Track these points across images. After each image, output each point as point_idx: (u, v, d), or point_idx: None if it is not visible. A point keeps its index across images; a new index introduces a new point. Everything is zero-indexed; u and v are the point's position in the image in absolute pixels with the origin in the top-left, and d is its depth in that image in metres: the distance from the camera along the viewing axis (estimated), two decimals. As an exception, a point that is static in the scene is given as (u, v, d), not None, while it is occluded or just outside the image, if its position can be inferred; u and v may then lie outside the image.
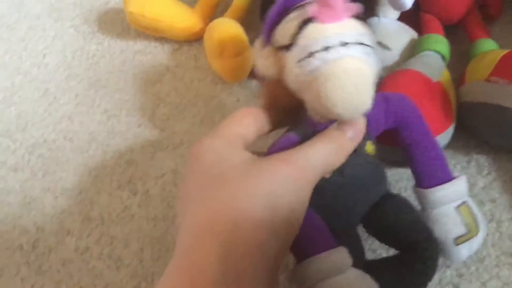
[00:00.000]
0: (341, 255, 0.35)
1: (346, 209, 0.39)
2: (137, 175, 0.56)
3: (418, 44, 0.54)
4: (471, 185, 0.49)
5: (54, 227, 0.54)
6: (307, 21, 0.32)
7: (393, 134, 0.41)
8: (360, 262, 0.39)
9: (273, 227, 0.30)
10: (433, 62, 0.51)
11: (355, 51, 0.31)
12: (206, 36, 0.61)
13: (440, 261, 0.44)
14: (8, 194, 0.57)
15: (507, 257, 0.45)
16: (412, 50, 0.54)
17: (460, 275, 0.45)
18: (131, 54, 0.68)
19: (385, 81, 0.49)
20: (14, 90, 0.67)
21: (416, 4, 0.55)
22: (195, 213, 0.31)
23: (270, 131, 0.38)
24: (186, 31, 0.65)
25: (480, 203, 0.49)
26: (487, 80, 0.47)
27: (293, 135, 0.37)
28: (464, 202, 0.41)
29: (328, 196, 0.38)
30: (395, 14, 0.56)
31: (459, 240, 0.40)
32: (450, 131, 0.48)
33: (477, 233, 0.41)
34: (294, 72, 0.33)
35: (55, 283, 0.50)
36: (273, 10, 0.35)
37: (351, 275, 0.35)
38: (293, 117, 0.38)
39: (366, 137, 0.38)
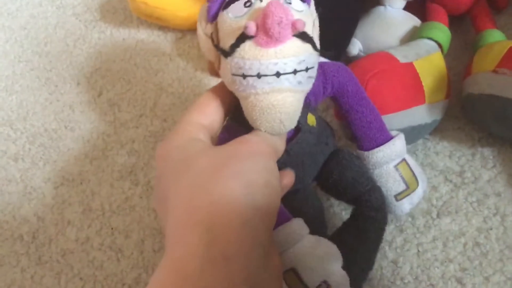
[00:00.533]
0: (295, 227, 0.38)
1: (299, 175, 0.40)
2: (139, 165, 0.56)
3: (416, 31, 0.53)
4: (475, 179, 0.49)
5: (55, 217, 0.54)
6: (245, 37, 0.31)
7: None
8: (320, 213, 0.43)
9: (253, 202, 0.30)
10: (415, 46, 0.51)
11: (287, 82, 0.32)
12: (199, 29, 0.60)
13: (443, 256, 0.44)
14: (9, 183, 0.57)
15: (511, 251, 0.45)
16: (411, 37, 0.54)
17: (464, 269, 0.45)
18: (134, 43, 0.67)
19: (356, 60, 0.50)
20: (15, 79, 0.67)
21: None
22: (173, 210, 0.31)
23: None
24: (189, 19, 0.64)
25: (485, 196, 0.48)
26: (494, 71, 0.47)
27: (233, 124, 0.38)
28: (402, 160, 0.43)
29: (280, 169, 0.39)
30: (402, 3, 0.55)
31: (400, 196, 0.43)
32: (415, 111, 0.48)
33: (416, 187, 0.43)
34: (228, 78, 0.33)
35: (55, 274, 0.50)
36: None
37: (307, 242, 0.37)
38: None
39: (306, 110, 0.39)
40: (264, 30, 0.30)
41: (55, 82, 0.65)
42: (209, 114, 0.36)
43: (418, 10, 0.56)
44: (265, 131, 0.34)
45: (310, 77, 0.33)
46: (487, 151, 0.51)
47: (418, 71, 0.48)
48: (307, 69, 0.32)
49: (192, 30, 0.66)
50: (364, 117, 0.42)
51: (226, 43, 0.32)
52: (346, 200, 0.45)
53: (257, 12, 0.31)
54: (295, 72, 0.32)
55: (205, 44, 0.36)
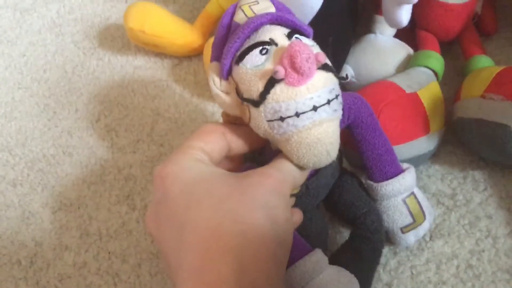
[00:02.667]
0: (318, 257, 0.38)
1: (310, 203, 0.41)
2: (136, 190, 0.57)
3: (411, 60, 0.55)
4: (467, 201, 0.50)
5: (53, 242, 0.54)
6: (275, 80, 0.32)
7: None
8: (323, 234, 0.44)
9: (277, 236, 0.31)
10: (415, 76, 0.52)
11: (325, 113, 0.33)
12: (205, 52, 0.61)
13: (436, 278, 0.45)
14: (7, 208, 0.58)
15: (503, 273, 0.46)
16: (407, 65, 0.55)
17: (457, 292, 0.45)
18: (131, 70, 0.69)
19: (363, 89, 0.51)
20: (14, 105, 0.68)
21: (412, 21, 0.56)
22: (197, 233, 0.30)
23: (236, 153, 0.38)
24: (185, 47, 0.66)
25: (476, 219, 0.49)
26: (482, 96, 0.48)
27: (253, 165, 0.38)
28: (411, 193, 0.44)
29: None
30: (392, 31, 0.56)
31: (406, 229, 0.44)
32: (422, 141, 0.49)
33: (423, 221, 0.44)
34: (263, 127, 0.34)
35: (53, 299, 0.51)
36: (235, 45, 0.34)
37: (329, 273, 0.38)
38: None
39: None
40: (295, 69, 0.31)
41: (53, 109, 0.66)
42: (210, 142, 0.36)
43: (408, 38, 0.57)
44: (311, 166, 0.35)
45: (341, 103, 0.35)
46: (478, 174, 0.51)
47: (422, 101, 0.49)
48: (337, 96, 0.34)
49: (189, 57, 0.68)
50: (376, 149, 0.43)
51: (253, 93, 0.33)
52: (345, 220, 0.46)
53: (277, 55, 0.33)
54: (329, 102, 0.33)
55: (225, 100, 0.36)
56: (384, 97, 0.48)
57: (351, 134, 0.43)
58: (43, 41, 0.75)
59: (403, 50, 0.56)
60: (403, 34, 0.57)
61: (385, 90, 0.49)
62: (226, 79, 0.36)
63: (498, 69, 0.49)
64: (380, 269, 0.47)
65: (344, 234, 0.50)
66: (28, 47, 0.75)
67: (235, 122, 0.38)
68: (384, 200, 0.44)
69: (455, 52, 0.60)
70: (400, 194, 0.43)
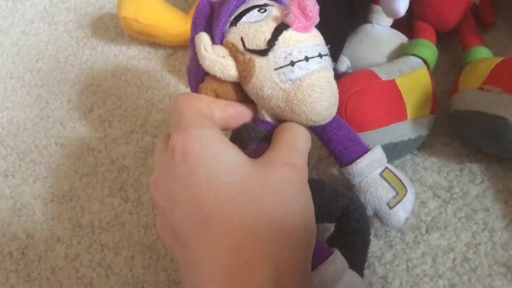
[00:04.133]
0: (339, 261, 0.37)
1: None
2: (129, 182, 0.56)
3: (402, 49, 0.54)
4: (464, 194, 0.49)
5: (44, 234, 0.54)
6: (283, 27, 0.33)
7: None
8: None
9: (309, 245, 0.30)
10: (399, 63, 0.51)
11: (327, 63, 0.34)
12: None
13: (432, 271, 0.44)
14: (-1, 200, 0.57)
15: (500, 266, 0.45)
16: (398, 54, 0.54)
17: (453, 285, 0.45)
18: (125, 60, 0.68)
19: (338, 80, 0.50)
20: (6, 95, 0.67)
21: (410, 11, 0.55)
22: (227, 228, 0.28)
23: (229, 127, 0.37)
24: (180, 36, 0.65)
25: (473, 212, 0.48)
26: (480, 88, 0.47)
27: (252, 145, 0.37)
28: (385, 168, 0.43)
29: None
30: (389, 21, 0.56)
31: (392, 202, 0.42)
32: (396, 127, 0.48)
33: (406, 193, 0.43)
34: (269, 78, 0.33)
35: (44, 291, 0.50)
36: (230, 8, 0.35)
37: (350, 277, 0.37)
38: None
39: None
40: (305, 14, 0.32)
41: (46, 99, 0.65)
42: (214, 109, 0.35)
43: (405, 28, 0.57)
44: (321, 117, 0.35)
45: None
46: (475, 167, 0.51)
47: (399, 87, 0.49)
48: (326, 54, 0.35)
49: (183, 46, 0.67)
50: (339, 132, 0.42)
51: (260, 43, 0.34)
52: (330, 218, 0.43)
53: (277, 11, 0.34)
54: (326, 54, 0.35)
55: (221, 63, 0.35)
56: (353, 85, 0.48)
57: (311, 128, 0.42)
58: (35, 31, 0.74)
59: (399, 40, 0.55)
60: (400, 25, 0.56)
61: (357, 79, 0.49)
62: (218, 42, 0.35)
63: (497, 60, 0.48)
64: (375, 262, 0.47)
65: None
66: (21, 37, 0.74)
67: (221, 93, 0.37)
68: (362, 179, 0.43)
69: (453, 43, 0.59)
70: (375, 169, 0.42)
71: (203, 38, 0.35)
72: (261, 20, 0.34)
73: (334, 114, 0.36)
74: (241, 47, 0.34)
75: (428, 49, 0.53)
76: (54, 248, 0.53)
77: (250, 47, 0.34)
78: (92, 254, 0.52)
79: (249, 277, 0.27)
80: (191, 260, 0.29)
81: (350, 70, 0.55)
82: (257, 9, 0.35)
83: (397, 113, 0.48)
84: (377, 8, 0.55)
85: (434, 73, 0.53)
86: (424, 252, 0.47)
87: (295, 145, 0.34)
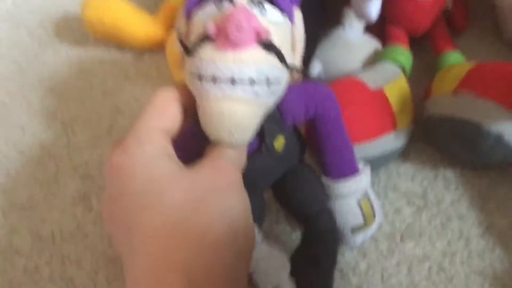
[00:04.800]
0: None
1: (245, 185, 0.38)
2: (93, 190, 0.53)
3: (378, 55, 0.53)
4: (438, 201, 0.48)
5: (2, 246, 0.51)
6: (206, 38, 0.31)
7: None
8: (261, 218, 0.42)
9: (236, 245, 0.29)
10: (381, 71, 0.50)
11: (241, 92, 0.31)
12: (168, 46, 0.59)
13: (408, 280, 0.43)
14: (-47, 210, 0.54)
15: (476, 276, 0.44)
16: (374, 60, 0.53)
17: (428, 295, 0.44)
18: (89, 63, 0.65)
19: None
20: (-37, 100, 0.64)
21: (383, 15, 0.54)
22: (146, 246, 0.28)
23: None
24: (147, 39, 0.63)
25: (448, 219, 0.47)
26: (454, 93, 0.46)
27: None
28: (365, 195, 0.43)
29: None
30: (361, 25, 0.55)
31: (356, 229, 0.43)
32: (388, 138, 0.47)
33: (373, 223, 0.43)
34: (187, 75, 0.32)
35: (1, 307, 0.47)
36: None
37: (264, 249, 0.38)
38: None
39: (277, 130, 0.37)
40: (224, 33, 0.30)
41: (7, 104, 0.62)
42: (171, 117, 0.33)
43: (378, 32, 0.56)
44: (214, 140, 0.33)
45: (272, 92, 0.32)
46: (449, 173, 0.50)
47: (388, 97, 0.48)
48: (267, 82, 0.31)
49: (151, 50, 0.65)
50: (338, 145, 0.41)
51: (191, 41, 0.32)
52: (297, 217, 0.44)
53: (223, 14, 0.31)
54: (252, 82, 0.30)
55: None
56: (345, 95, 0.46)
57: (315, 128, 0.41)
58: (-4, 32, 0.71)
59: (372, 45, 0.55)
60: (373, 28, 0.55)
61: (348, 88, 0.47)
62: (187, 19, 0.34)
63: (471, 65, 0.48)
64: (349, 272, 0.46)
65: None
66: (-20, 39, 0.71)
67: None
68: (339, 199, 0.42)
69: (425, 48, 0.58)
70: (355, 195, 0.42)
71: (180, 18, 0.35)
72: (208, 16, 0.32)
73: (237, 143, 0.33)
74: (178, 36, 0.34)
75: (404, 56, 0.53)
76: (13, 261, 0.50)
77: (185, 41, 0.33)
78: (53, 267, 0.49)
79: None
80: (126, 281, 0.29)
81: (322, 75, 0.54)
82: (217, 1, 0.32)
83: (388, 124, 0.47)
84: (349, 12, 0.54)
85: (407, 77, 0.53)
86: (399, 261, 0.46)
87: (224, 153, 0.33)
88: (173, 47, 0.36)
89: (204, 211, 0.29)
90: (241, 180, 0.33)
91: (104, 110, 0.60)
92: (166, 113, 0.33)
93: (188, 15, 0.34)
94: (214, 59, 0.30)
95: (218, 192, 0.30)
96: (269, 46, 0.31)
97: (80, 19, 0.68)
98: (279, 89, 0.33)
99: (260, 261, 0.38)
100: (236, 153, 0.33)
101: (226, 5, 0.32)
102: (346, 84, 0.48)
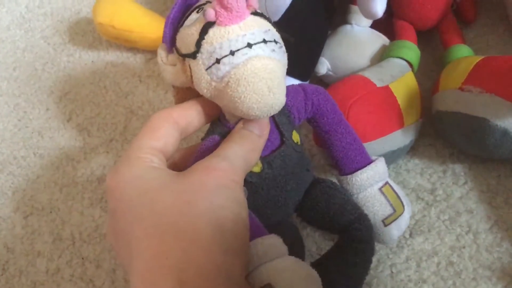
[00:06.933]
0: (273, 241, 0.35)
1: (281, 199, 0.39)
2: (109, 192, 0.55)
3: (386, 51, 0.53)
4: (447, 196, 0.49)
5: (25, 248, 0.53)
6: (208, 25, 0.32)
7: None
8: (299, 250, 0.41)
9: (225, 242, 0.29)
10: (388, 68, 0.50)
11: (261, 50, 0.32)
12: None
13: (416, 276, 0.44)
14: (-23, 214, 0.56)
15: (485, 270, 0.45)
16: (381, 56, 0.53)
17: (437, 290, 0.44)
18: (103, 65, 0.67)
19: (333, 85, 0.49)
20: (-17, 105, 0.66)
21: (390, 10, 0.54)
22: (141, 253, 0.29)
23: (195, 131, 0.37)
24: (157, 40, 0.64)
25: (457, 214, 0.48)
26: (460, 88, 0.46)
27: (215, 136, 0.37)
28: (386, 183, 0.42)
29: (263, 190, 0.38)
30: (368, 21, 0.55)
31: (388, 220, 0.42)
32: (396, 135, 0.48)
33: (403, 211, 0.42)
34: (204, 79, 0.33)
35: (25, 308, 0.49)
36: (172, 13, 0.34)
37: (288, 259, 0.35)
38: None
39: (291, 127, 0.39)
40: (224, 7, 0.31)
41: (24, 108, 0.64)
42: (162, 137, 0.34)
43: (385, 27, 0.56)
44: (257, 110, 0.32)
45: (282, 49, 0.34)
46: (458, 168, 0.50)
47: (395, 94, 0.48)
48: (275, 41, 0.33)
49: (162, 51, 0.66)
50: (344, 138, 0.41)
51: (190, 46, 0.33)
52: (332, 229, 0.43)
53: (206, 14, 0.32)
54: (265, 41, 0.32)
55: (171, 72, 0.36)
56: (353, 93, 0.47)
57: (318, 127, 0.41)
58: (12, 38, 0.73)
59: (379, 40, 0.55)
60: (380, 24, 0.55)
61: (354, 86, 0.48)
62: (171, 50, 0.35)
63: (477, 59, 0.47)
64: (359, 268, 0.46)
65: (316, 237, 0.49)
66: (-3, 44, 0.72)
67: (188, 97, 0.37)
68: (361, 192, 0.42)
69: (434, 41, 0.58)
70: (376, 183, 0.42)
71: (161, 47, 0.36)
72: (194, 21, 0.33)
73: (277, 103, 0.33)
74: (178, 53, 0.35)
75: (413, 51, 0.52)
76: (35, 263, 0.52)
77: (184, 52, 0.34)
78: (74, 268, 0.51)
79: None
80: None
81: (330, 72, 0.54)
82: (196, 10, 0.34)
83: (396, 121, 0.48)
84: (356, 9, 0.54)
85: (415, 72, 0.53)
86: (408, 257, 0.46)
87: (221, 152, 0.33)
88: (172, 80, 0.37)
89: (191, 212, 0.29)
90: (237, 179, 0.32)
91: (118, 112, 0.61)
92: (157, 133, 0.34)
93: (171, 46, 0.35)
94: (225, 36, 0.31)
95: (206, 192, 0.30)
96: (260, 14, 0.33)
97: (92, 22, 0.70)
98: (284, 50, 0.34)
99: (287, 271, 0.35)
100: (239, 150, 0.34)
101: (206, 6, 0.33)
102: (352, 82, 0.49)
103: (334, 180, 0.44)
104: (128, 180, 0.32)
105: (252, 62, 0.31)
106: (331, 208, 0.41)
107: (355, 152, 0.42)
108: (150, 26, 0.63)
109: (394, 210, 0.42)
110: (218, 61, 0.32)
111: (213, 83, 0.33)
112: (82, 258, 0.51)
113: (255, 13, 0.33)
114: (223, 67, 0.32)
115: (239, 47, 0.31)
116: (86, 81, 0.65)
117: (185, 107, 0.36)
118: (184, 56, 0.34)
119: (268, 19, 0.34)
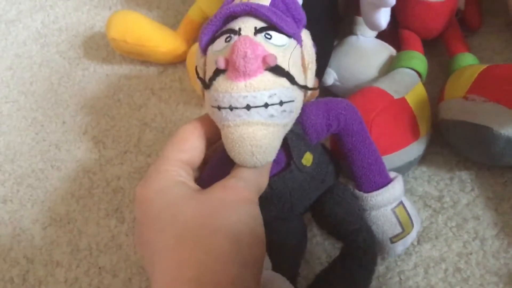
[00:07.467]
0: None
1: (287, 205, 0.41)
2: (124, 202, 0.57)
3: (394, 61, 0.54)
4: (454, 203, 0.49)
5: (44, 258, 0.54)
6: (220, 71, 0.33)
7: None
8: (299, 250, 0.43)
9: (241, 255, 0.30)
10: (401, 79, 0.51)
11: (257, 115, 0.32)
12: (188, 59, 0.61)
13: (424, 283, 0.45)
14: (-2, 226, 0.58)
15: (492, 276, 0.45)
16: (389, 66, 0.54)
17: (445, 296, 0.45)
18: (117, 79, 0.68)
19: (351, 98, 0.49)
20: (2, 120, 0.68)
21: (394, 20, 0.55)
22: (163, 262, 0.30)
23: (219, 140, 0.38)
24: (169, 54, 0.65)
25: (464, 221, 0.48)
26: (465, 97, 0.47)
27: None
28: (400, 203, 0.43)
29: (266, 200, 0.39)
30: (373, 32, 0.56)
31: (395, 238, 0.43)
32: (413, 147, 0.48)
33: (411, 230, 0.43)
34: (210, 109, 0.34)
35: (45, 317, 0.51)
36: (207, 27, 0.35)
37: (266, 273, 0.37)
38: None
39: (304, 149, 0.39)
40: (231, 65, 0.31)
41: (41, 122, 0.66)
42: (188, 150, 0.36)
43: (391, 37, 0.57)
44: (239, 163, 0.34)
45: (286, 111, 0.33)
46: (465, 175, 0.51)
47: (411, 105, 0.49)
48: (281, 103, 0.33)
49: (173, 64, 0.67)
50: (366, 159, 0.42)
51: (207, 76, 0.34)
52: (337, 236, 0.44)
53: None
54: (266, 105, 0.32)
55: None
56: (374, 106, 0.47)
57: (341, 143, 0.42)
58: (28, 53, 0.75)
59: (385, 51, 0.55)
60: (385, 34, 0.56)
61: (375, 99, 0.48)
62: (203, 55, 0.36)
63: (480, 68, 0.48)
64: (368, 275, 0.47)
65: (325, 245, 0.50)
66: (14, 60, 0.74)
67: None
68: (374, 210, 0.43)
69: (439, 49, 0.59)
70: (390, 204, 0.43)
71: (197, 50, 0.37)
72: (217, 51, 0.34)
73: (260, 164, 0.34)
74: (199, 73, 0.36)
75: (421, 61, 0.53)
76: (54, 273, 0.53)
77: (201, 75, 0.35)
78: (91, 277, 0.52)
79: None
80: None
81: (337, 83, 0.55)
82: (226, 35, 0.34)
83: (413, 132, 0.48)
84: (361, 20, 0.55)
85: (423, 82, 0.54)
86: (416, 264, 0.47)
87: (237, 174, 0.35)
88: (193, 60, 0.37)
89: (210, 226, 0.31)
90: (253, 198, 0.34)
91: (132, 124, 0.63)
92: (184, 146, 0.36)
93: (204, 52, 0.36)
94: (229, 90, 0.32)
95: (225, 208, 0.32)
96: (277, 70, 0.33)
97: (106, 37, 0.72)
98: (293, 109, 0.34)
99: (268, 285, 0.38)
100: (252, 174, 0.35)
101: (234, 37, 0.33)
102: (371, 94, 0.49)
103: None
104: (154, 192, 0.33)
105: (244, 127, 0.33)
106: (333, 216, 0.42)
107: (375, 173, 0.42)
108: (161, 40, 0.65)
109: (403, 230, 0.43)
110: (219, 108, 0.33)
111: (213, 117, 0.34)
112: (99, 268, 0.53)
113: (271, 69, 0.32)
114: (221, 116, 0.33)
115: (237, 106, 0.32)
116: (101, 95, 0.67)
117: (209, 119, 0.37)
118: (199, 79, 0.35)
119: (286, 74, 0.33)
